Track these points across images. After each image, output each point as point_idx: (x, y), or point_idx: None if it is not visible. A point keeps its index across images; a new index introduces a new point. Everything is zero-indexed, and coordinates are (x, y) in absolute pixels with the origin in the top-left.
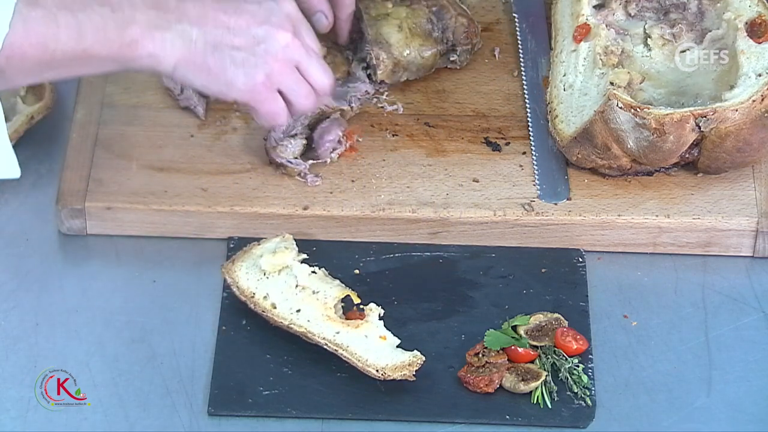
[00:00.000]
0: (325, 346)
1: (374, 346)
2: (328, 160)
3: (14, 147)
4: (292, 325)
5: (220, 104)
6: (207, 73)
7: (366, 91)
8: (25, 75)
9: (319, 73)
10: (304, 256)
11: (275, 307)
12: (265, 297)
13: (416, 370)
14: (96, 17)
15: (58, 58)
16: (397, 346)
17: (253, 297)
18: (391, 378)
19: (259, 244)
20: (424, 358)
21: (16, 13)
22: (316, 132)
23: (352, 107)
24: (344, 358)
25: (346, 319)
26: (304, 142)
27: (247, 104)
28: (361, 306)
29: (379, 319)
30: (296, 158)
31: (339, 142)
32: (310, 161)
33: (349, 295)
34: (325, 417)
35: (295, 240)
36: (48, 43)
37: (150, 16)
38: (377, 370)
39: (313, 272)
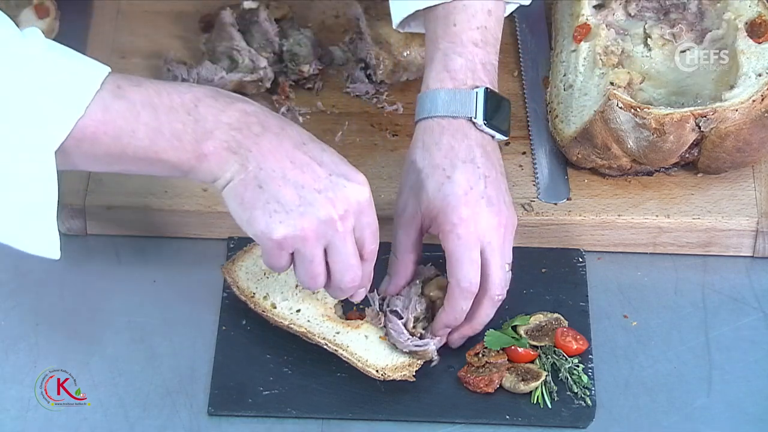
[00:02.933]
0: (325, 347)
1: (374, 347)
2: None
3: None
4: (292, 325)
5: None
6: (239, 203)
7: (366, 91)
8: (92, 162)
9: (341, 267)
10: None
11: (275, 307)
12: (265, 297)
13: (416, 371)
14: (178, 124)
15: (128, 154)
16: (389, 340)
17: (253, 297)
18: (391, 378)
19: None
20: (424, 359)
21: (98, 99)
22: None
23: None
24: (344, 359)
25: (347, 319)
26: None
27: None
28: (362, 306)
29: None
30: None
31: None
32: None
33: None
34: (325, 417)
35: None
36: (123, 136)
37: (228, 137)
38: (377, 371)
39: None
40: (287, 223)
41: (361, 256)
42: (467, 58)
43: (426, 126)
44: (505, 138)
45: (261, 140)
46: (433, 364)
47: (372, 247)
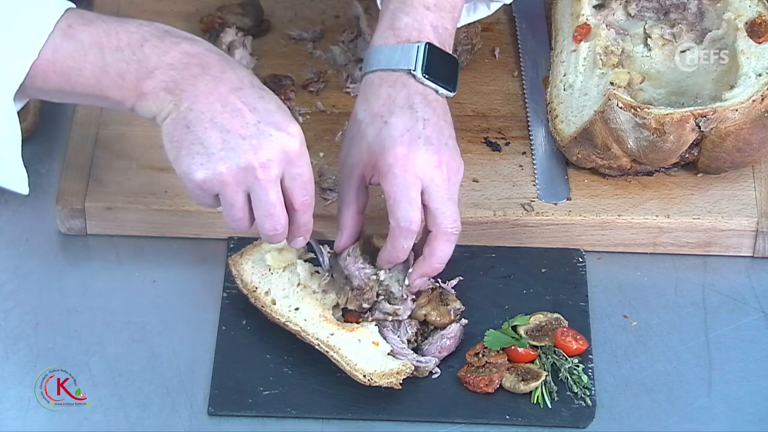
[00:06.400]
0: (317, 347)
1: (365, 351)
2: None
3: None
4: (288, 323)
5: None
6: (169, 140)
7: None
8: (44, 95)
9: (261, 214)
10: (312, 255)
11: (275, 303)
12: (266, 292)
13: (403, 379)
14: (122, 64)
15: (77, 90)
16: (389, 353)
17: (255, 291)
18: (377, 384)
19: None
20: (413, 367)
21: (49, 40)
22: (431, 344)
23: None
24: (334, 360)
25: (346, 319)
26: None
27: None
28: (362, 310)
29: (375, 325)
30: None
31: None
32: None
33: None
34: (325, 417)
35: None
36: (71, 75)
37: (167, 77)
38: (364, 375)
39: (316, 272)
40: (207, 166)
41: (293, 207)
42: (414, 18)
43: (367, 80)
44: (451, 94)
45: (197, 81)
46: (435, 376)
47: (303, 198)
